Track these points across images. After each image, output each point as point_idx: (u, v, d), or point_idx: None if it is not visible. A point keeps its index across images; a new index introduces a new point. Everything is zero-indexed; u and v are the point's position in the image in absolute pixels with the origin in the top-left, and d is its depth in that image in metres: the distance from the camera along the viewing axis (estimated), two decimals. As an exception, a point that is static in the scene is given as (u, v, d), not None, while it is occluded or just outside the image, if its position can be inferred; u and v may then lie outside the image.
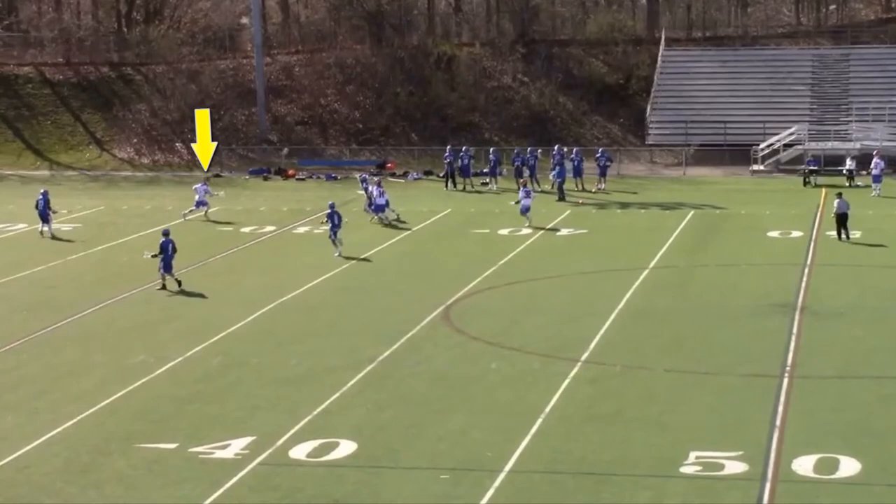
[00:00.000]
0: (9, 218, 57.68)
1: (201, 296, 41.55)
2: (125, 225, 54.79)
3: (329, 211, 48.42)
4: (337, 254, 47.40)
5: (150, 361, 33.15)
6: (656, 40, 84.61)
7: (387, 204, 55.19)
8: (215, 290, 42.42)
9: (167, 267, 42.17)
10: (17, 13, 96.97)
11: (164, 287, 42.12)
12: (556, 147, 66.47)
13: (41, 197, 52.99)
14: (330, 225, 48.03)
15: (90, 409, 29.18)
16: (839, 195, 50.65)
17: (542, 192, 62.76)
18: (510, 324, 37.09)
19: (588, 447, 26.31)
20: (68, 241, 51.51)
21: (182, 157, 79.32)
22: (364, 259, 47.33)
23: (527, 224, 53.06)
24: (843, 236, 49.36)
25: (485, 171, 66.85)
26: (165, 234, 42.91)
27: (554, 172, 62.87)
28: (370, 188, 56.46)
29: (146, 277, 43.82)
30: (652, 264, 45.41)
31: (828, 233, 50.81)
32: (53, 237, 52.23)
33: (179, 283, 42.31)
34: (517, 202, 54.54)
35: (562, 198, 61.41)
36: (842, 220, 49.56)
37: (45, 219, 52.78)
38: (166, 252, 42.13)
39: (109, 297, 41.26)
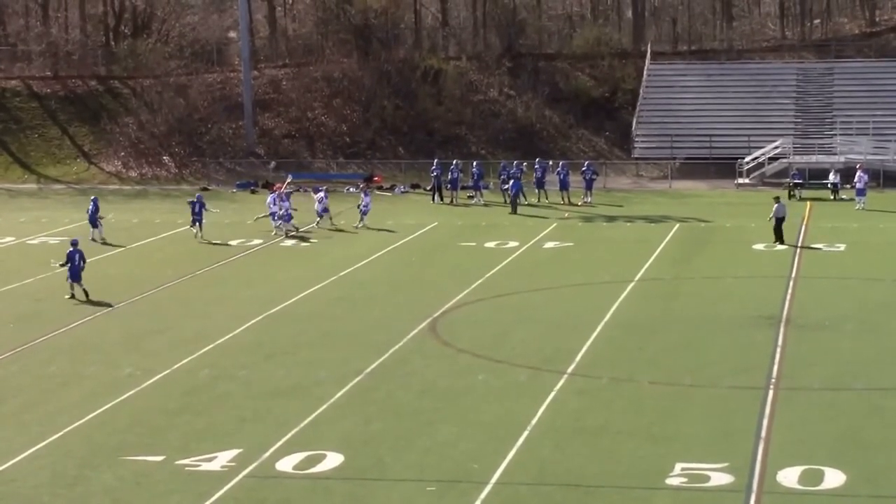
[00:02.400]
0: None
1: (190, 308, 41.62)
2: (112, 238, 54.76)
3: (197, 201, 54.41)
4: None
5: (138, 374, 33.19)
6: (642, 54, 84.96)
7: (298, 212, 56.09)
8: (204, 302, 42.51)
9: (74, 276, 42.77)
10: (5, 27, 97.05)
11: (72, 296, 42.66)
12: (514, 162, 66.92)
13: (91, 204, 54.08)
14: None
15: (78, 422, 29.21)
16: (777, 199, 51.64)
17: (529, 205, 63.17)
18: (497, 336, 37.19)
19: (575, 459, 26.41)
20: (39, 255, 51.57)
21: (169, 170, 79.43)
22: (351, 271, 47.44)
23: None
24: (780, 242, 50.66)
25: (469, 184, 67.04)
26: (73, 244, 43.60)
27: (507, 185, 63.30)
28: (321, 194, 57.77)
29: (135, 289, 43.93)
30: (638, 277, 45.58)
31: (814, 245, 51.11)
32: (104, 242, 53.20)
33: (86, 293, 42.74)
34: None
35: (514, 211, 61.89)
36: (779, 225, 50.90)
37: (94, 224, 53.90)
38: (73, 261, 42.80)
39: (97, 309, 41.31)
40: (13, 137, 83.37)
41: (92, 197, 55.49)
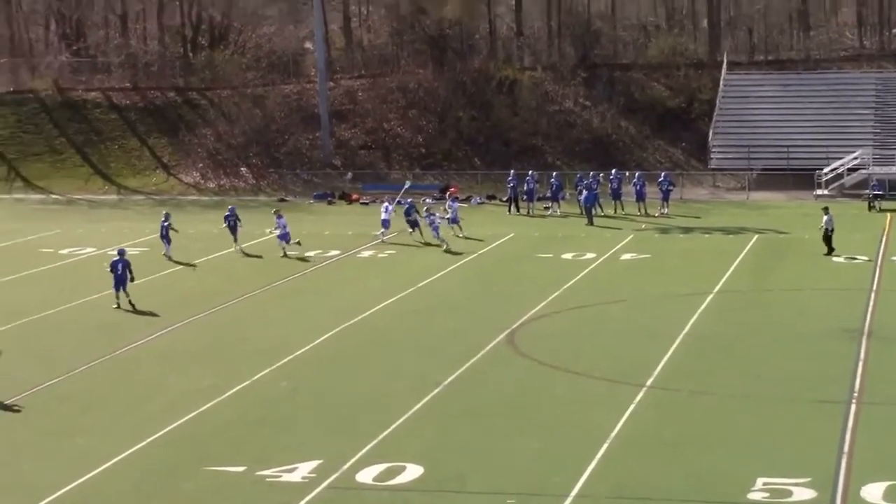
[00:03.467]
0: (77, 242, 58.34)
1: (269, 319, 41.91)
2: (191, 248, 55.24)
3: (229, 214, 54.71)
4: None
5: (219, 384, 33.46)
6: (718, 64, 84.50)
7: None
8: (283, 313, 42.80)
9: (118, 285, 43.39)
10: (86, 39, 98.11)
11: (118, 306, 43.37)
12: (590, 173, 66.69)
13: (163, 219, 54.03)
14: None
15: (160, 432, 29.50)
16: (826, 209, 52.22)
17: (605, 216, 63.10)
18: (575, 348, 37.16)
19: (655, 473, 26.32)
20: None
21: (247, 180, 80.00)
22: (429, 282, 47.57)
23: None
24: (830, 252, 50.99)
25: (547, 195, 66.98)
26: (120, 253, 44.26)
27: (581, 197, 63.20)
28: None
29: (214, 300, 44.30)
30: (716, 289, 45.34)
31: (893, 258, 50.64)
32: (169, 258, 52.86)
33: (131, 303, 43.47)
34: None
35: (590, 222, 61.77)
36: (827, 236, 51.15)
37: (165, 239, 53.53)
38: (116, 270, 43.42)
39: (179, 320, 41.68)
40: (94, 149, 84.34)
41: (164, 212, 55.47)
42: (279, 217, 53.85)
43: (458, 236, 57.00)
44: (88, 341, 39.09)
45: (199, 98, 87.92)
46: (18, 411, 31.68)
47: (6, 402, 32.21)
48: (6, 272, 50.73)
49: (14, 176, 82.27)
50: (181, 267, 51.36)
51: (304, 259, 52.77)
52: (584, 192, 62.91)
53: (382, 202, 59.38)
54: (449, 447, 28.19)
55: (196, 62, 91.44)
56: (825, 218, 51.52)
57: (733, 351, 36.57)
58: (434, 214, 55.39)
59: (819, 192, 70.33)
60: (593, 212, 62.46)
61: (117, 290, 43.59)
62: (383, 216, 56.97)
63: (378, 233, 57.17)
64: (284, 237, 53.47)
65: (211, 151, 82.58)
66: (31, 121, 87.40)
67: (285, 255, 52.96)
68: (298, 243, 53.82)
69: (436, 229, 54.80)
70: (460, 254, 53.18)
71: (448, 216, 57.28)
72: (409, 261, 52.47)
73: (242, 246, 55.07)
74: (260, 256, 53.92)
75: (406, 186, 63.27)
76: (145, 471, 27.05)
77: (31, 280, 49.65)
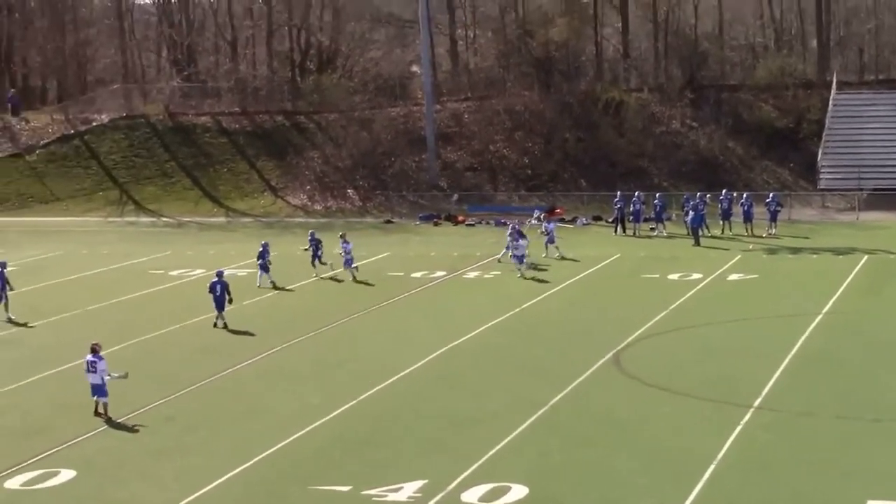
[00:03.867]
0: (187, 264, 59.10)
1: (374, 339, 42.14)
2: (298, 270, 55.70)
3: (310, 238, 54.66)
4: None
5: (325, 404, 33.69)
6: (827, 84, 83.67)
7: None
8: (388, 334, 43.01)
9: (218, 306, 44.37)
10: (196, 64, 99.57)
11: (215, 325, 44.33)
12: (697, 194, 66.25)
13: (262, 248, 52.84)
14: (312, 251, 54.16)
15: (267, 451, 29.75)
16: None
17: (712, 236, 62.69)
18: (681, 369, 36.92)
19: (762, 495, 26.06)
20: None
21: (353, 202, 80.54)
22: (534, 303, 47.55)
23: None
24: None
25: (651, 216, 66.73)
26: (218, 275, 45.05)
27: (688, 218, 62.88)
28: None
29: (321, 321, 44.64)
30: (825, 309, 44.83)
31: None
32: (261, 286, 52.06)
33: (225, 325, 44.32)
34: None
35: (697, 242, 61.44)
36: None
37: (264, 268, 52.41)
38: (214, 292, 44.36)
39: (285, 340, 42.06)
40: (203, 172, 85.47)
41: (262, 241, 54.36)
42: (345, 242, 53.84)
43: (555, 258, 56.96)
44: (196, 361, 39.55)
45: (307, 122, 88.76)
46: (130, 430, 32.14)
47: (117, 421, 32.72)
48: (118, 293, 51.51)
49: (126, 199, 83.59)
50: (288, 288, 51.69)
51: (336, 279, 53.36)
52: (691, 213, 62.57)
53: (511, 224, 58.60)
54: (554, 468, 28.14)
55: (304, 86, 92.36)
56: None
57: (842, 372, 36.12)
58: (520, 240, 53.89)
59: (931, 212, 69.31)
60: (700, 232, 62.09)
61: (218, 309, 44.36)
62: (519, 243, 54.05)
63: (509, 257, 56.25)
64: (349, 262, 53.58)
65: (318, 174, 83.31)
66: (143, 145, 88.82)
67: (354, 280, 53.21)
68: (330, 266, 54.33)
69: (519, 258, 53.73)
70: (545, 281, 53.01)
71: (544, 237, 57.75)
72: (515, 281, 52.46)
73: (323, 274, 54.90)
74: (367, 282, 54.26)
75: (536, 214, 63.68)
76: (251, 490, 27.30)
77: (141, 301, 50.34)
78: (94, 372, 33.06)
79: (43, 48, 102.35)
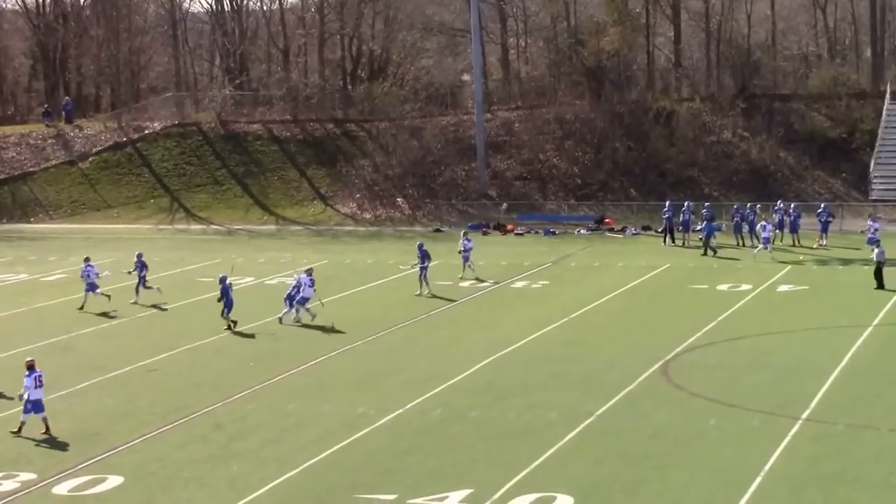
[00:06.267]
0: (237, 271, 59.14)
1: (422, 348, 42.18)
2: (348, 279, 55.87)
3: (419, 252, 52.33)
4: (417, 293, 51.49)
5: (372, 413, 33.74)
6: (881, 94, 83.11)
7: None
8: (435, 343, 43.06)
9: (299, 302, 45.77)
10: (248, 72, 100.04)
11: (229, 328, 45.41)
12: (747, 204, 66.11)
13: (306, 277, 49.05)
14: (420, 265, 51.89)
15: (313, 459, 29.84)
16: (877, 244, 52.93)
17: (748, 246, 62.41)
18: (730, 380, 36.75)
19: (809, 507, 25.94)
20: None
21: (403, 211, 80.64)
22: (582, 313, 47.46)
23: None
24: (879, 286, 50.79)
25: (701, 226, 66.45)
26: (222, 280, 46.08)
27: (700, 227, 63.10)
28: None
29: (369, 330, 44.72)
30: (876, 321, 44.52)
31: None
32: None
33: (233, 324, 45.56)
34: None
35: (705, 252, 61.79)
36: (878, 271, 51.11)
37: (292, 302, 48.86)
38: (227, 296, 45.62)
39: (333, 348, 42.17)
40: (254, 180, 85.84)
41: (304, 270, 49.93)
42: (466, 240, 55.13)
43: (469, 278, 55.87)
44: (244, 369, 39.70)
45: (358, 130, 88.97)
46: (178, 437, 32.30)
47: (165, 428, 32.89)
48: (168, 301, 51.71)
49: (177, 207, 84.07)
50: (338, 296, 51.76)
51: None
52: (706, 223, 62.42)
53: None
54: (600, 478, 28.06)
55: (355, 95, 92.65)
56: (875, 251, 51.18)
57: (892, 385, 35.82)
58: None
59: (985, 223, 68.67)
60: (711, 243, 61.92)
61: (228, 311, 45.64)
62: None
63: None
64: (466, 259, 54.89)
65: (368, 182, 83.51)
66: (195, 153, 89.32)
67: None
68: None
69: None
70: (594, 292, 52.89)
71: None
72: (563, 292, 52.41)
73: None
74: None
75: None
76: (297, 498, 27.38)
77: (191, 308, 50.56)
78: (41, 386, 32.67)
79: (97, 56, 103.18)
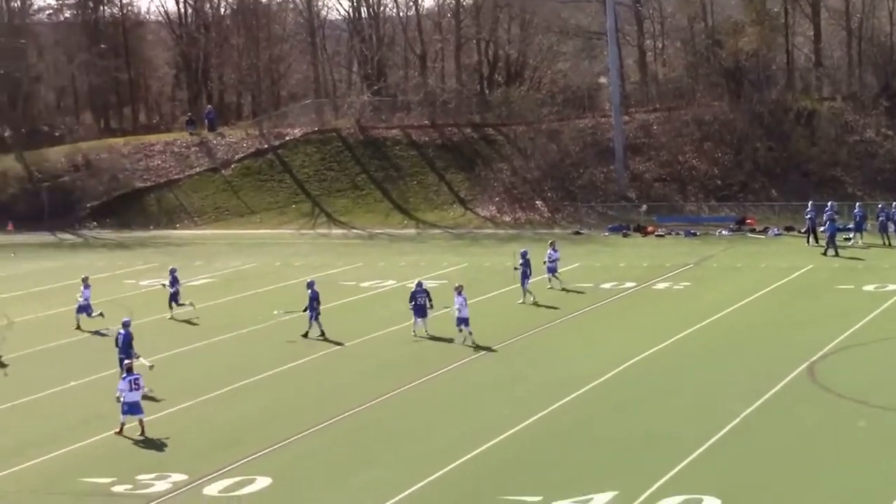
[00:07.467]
0: (379, 275, 59.83)
1: (563, 351, 42.15)
2: (488, 281, 55.96)
3: (522, 260, 51.16)
4: (521, 301, 50.74)
5: (515, 415, 33.71)
6: None
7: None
8: (578, 345, 43.00)
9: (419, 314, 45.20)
10: (386, 78, 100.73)
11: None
12: (892, 203, 65.01)
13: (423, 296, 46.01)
14: (522, 275, 50.91)
15: (456, 462, 29.92)
16: None
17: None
18: (878, 381, 36.17)
19: (963, 510, 25.48)
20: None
21: (542, 214, 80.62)
22: (724, 315, 47.06)
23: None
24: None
25: (849, 226, 65.53)
26: (418, 285, 45.59)
27: (824, 227, 62.10)
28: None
29: (509, 332, 44.78)
30: None
31: None
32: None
33: (314, 333, 45.67)
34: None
35: (826, 252, 61.05)
36: None
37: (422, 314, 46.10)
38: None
39: (468, 354, 42.24)
40: (393, 185, 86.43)
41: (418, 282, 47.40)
42: (553, 251, 53.73)
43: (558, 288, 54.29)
44: (385, 372, 39.96)
45: (495, 134, 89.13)
46: (323, 440, 32.65)
47: (302, 434, 33.22)
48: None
49: (318, 212, 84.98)
50: (478, 299, 51.79)
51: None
52: (828, 223, 61.56)
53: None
54: (747, 481, 27.79)
55: (492, 99, 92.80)
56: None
57: None
58: None
59: None
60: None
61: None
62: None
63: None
64: (552, 269, 53.67)
65: (507, 186, 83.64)
66: (335, 158, 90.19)
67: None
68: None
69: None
70: (737, 293, 52.37)
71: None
72: (705, 293, 52.01)
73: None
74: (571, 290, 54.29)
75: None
76: (441, 501, 27.52)
77: (333, 312, 50.85)
78: (138, 389, 33.42)
79: (238, 65, 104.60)
